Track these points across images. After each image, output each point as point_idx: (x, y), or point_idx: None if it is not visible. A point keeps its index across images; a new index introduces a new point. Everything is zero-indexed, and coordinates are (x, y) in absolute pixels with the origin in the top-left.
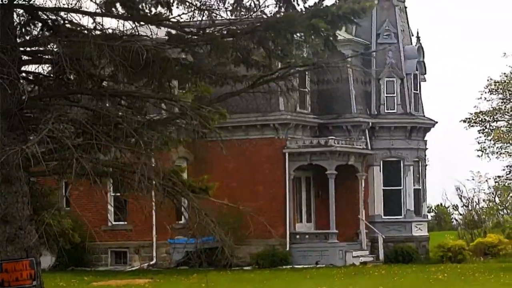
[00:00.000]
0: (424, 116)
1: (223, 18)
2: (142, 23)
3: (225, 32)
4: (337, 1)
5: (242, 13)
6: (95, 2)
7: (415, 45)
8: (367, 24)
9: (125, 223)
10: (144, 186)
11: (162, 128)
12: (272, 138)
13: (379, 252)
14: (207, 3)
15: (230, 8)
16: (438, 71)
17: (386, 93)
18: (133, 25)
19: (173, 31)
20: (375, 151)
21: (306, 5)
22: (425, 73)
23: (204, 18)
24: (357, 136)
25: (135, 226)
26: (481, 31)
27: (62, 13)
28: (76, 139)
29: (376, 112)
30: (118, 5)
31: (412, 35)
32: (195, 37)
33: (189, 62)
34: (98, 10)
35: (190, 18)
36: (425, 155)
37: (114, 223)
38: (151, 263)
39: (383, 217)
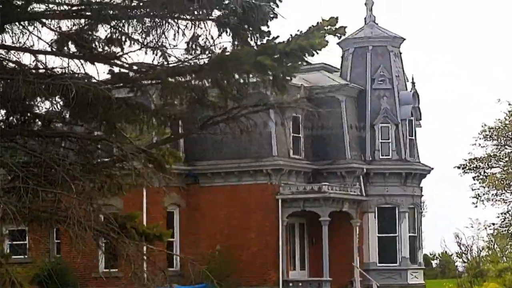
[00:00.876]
0: (419, 162)
1: (177, 58)
2: (93, 62)
3: (170, 71)
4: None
5: (198, 52)
6: (45, 41)
7: (410, 91)
8: (361, 70)
9: (116, 270)
10: (75, 232)
11: (114, 171)
12: (265, 184)
13: None
14: (160, 42)
15: (185, 47)
16: (434, 116)
17: (381, 139)
18: (82, 63)
19: (116, 69)
20: (369, 197)
21: (259, 42)
22: (421, 119)
23: (157, 57)
24: (352, 182)
25: (126, 274)
26: (477, 77)
27: (2, 51)
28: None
29: (370, 158)
30: (70, 43)
31: (407, 81)
32: (142, 75)
33: (136, 103)
34: (48, 49)
35: (142, 58)
36: (421, 202)
37: (104, 270)
38: None
39: (378, 264)
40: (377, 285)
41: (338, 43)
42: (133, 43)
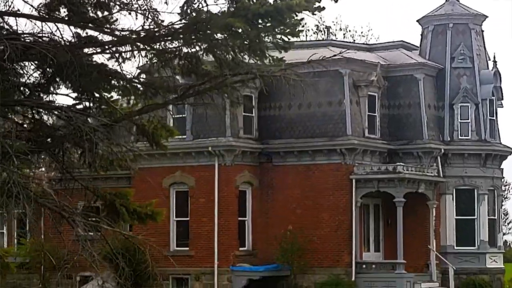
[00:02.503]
0: (500, 143)
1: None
2: (82, 28)
3: (147, 36)
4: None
5: (193, 15)
6: (31, 5)
7: (492, 70)
8: (441, 48)
9: (187, 248)
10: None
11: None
12: (339, 164)
13: (449, 284)
14: (151, 5)
15: (179, 11)
16: None
17: (460, 119)
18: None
19: (94, 34)
20: (447, 179)
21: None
22: (502, 99)
23: (148, 23)
24: (429, 163)
25: (197, 252)
26: None
27: None
28: None
29: (449, 139)
30: (61, 8)
31: (489, 59)
32: (119, 40)
33: (109, 69)
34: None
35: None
36: (501, 184)
37: (176, 248)
38: None
39: (455, 247)
40: (454, 269)
41: (417, 20)
42: (123, 7)
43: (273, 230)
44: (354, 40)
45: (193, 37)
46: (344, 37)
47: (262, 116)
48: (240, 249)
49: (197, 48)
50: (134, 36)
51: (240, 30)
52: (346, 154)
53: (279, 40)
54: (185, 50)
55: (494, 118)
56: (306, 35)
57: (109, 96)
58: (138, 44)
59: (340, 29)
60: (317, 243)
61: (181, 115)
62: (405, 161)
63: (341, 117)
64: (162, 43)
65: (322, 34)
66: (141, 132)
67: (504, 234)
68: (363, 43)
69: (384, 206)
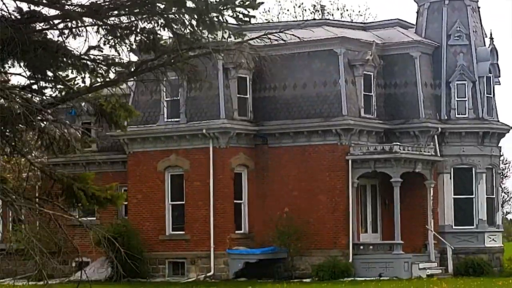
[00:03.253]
0: (498, 121)
1: None
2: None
3: (88, 9)
4: None
5: None
6: None
7: (488, 47)
8: (437, 25)
9: (183, 232)
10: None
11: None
12: (335, 145)
13: (448, 264)
14: None
15: None
16: None
17: (457, 97)
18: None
19: (38, 8)
20: (444, 158)
21: None
22: (499, 76)
23: None
24: (426, 142)
25: (193, 236)
26: None
27: None
28: None
29: (446, 117)
30: None
31: (486, 36)
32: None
33: (57, 46)
34: None
35: None
36: (499, 162)
37: (172, 232)
38: (208, 274)
39: (453, 227)
40: (452, 248)
41: None
42: None
43: (269, 212)
44: (352, 20)
45: (138, 10)
46: (341, 17)
47: (257, 98)
48: (237, 232)
49: (154, 23)
50: (80, 10)
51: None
52: (341, 135)
53: (238, 13)
54: (141, 25)
55: (492, 95)
56: (303, 15)
57: (64, 75)
58: (88, 19)
59: (337, 9)
60: (314, 225)
61: (174, 98)
62: (402, 141)
63: (336, 97)
64: (116, 18)
65: (320, 14)
66: (100, 113)
67: (508, 213)
68: (359, 22)
69: (381, 186)
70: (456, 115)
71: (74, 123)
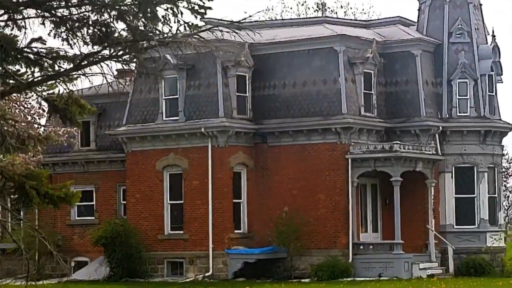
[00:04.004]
0: (500, 119)
1: None
2: None
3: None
4: None
5: None
6: None
7: (490, 44)
8: (438, 23)
9: (182, 232)
10: None
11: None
12: (334, 143)
13: (449, 264)
14: None
15: None
16: None
17: (459, 95)
18: None
19: None
20: (446, 156)
21: None
22: (501, 74)
23: None
24: (427, 140)
25: (191, 235)
26: None
27: None
28: None
29: (447, 116)
30: None
31: (488, 34)
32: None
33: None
34: None
35: None
36: (502, 161)
37: (170, 232)
38: (207, 274)
39: (454, 227)
40: (453, 248)
41: None
42: None
43: (269, 211)
44: (355, 18)
45: (87, 1)
46: (345, 15)
47: (256, 96)
48: (236, 231)
49: (106, 15)
50: (21, 1)
51: None
52: (341, 133)
53: (194, 5)
54: (93, 17)
55: (494, 93)
56: (306, 13)
57: (15, 69)
58: (33, 10)
59: (341, 7)
60: (314, 224)
61: (173, 96)
62: (403, 140)
63: (336, 95)
64: (66, 10)
65: (323, 12)
66: (53, 109)
67: None
68: (360, 20)
69: (381, 185)
70: (458, 114)
71: None
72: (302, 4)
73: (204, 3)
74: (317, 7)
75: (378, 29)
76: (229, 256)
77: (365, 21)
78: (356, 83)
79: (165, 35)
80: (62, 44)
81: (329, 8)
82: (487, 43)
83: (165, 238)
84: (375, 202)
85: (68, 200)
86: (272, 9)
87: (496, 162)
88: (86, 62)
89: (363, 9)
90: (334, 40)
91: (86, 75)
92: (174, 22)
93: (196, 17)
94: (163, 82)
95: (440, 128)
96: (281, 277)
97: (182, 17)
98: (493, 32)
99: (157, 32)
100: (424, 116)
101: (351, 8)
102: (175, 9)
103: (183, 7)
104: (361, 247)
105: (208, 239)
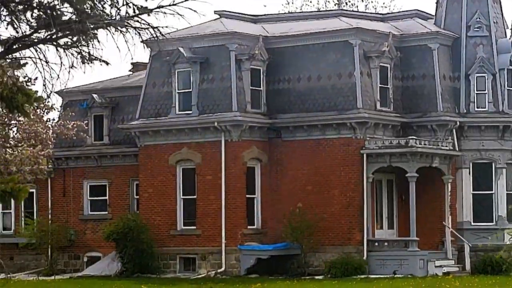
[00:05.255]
0: None
1: None
2: None
3: None
4: None
5: None
6: None
7: (509, 38)
8: (456, 16)
9: (194, 227)
10: None
11: None
12: (349, 138)
13: (465, 262)
14: None
15: None
16: None
17: (477, 90)
18: None
19: None
20: (463, 152)
21: None
22: None
23: None
24: (444, 136)
25: (204, 231)
26: None
27: None
28: None
29: (465, 111)
30: None
31: (507, 28)
32: None
33: None
34: None
35: None
36: None
37: (183, 227)
38: (220, 270)
39: (472, 224)
40: (469, 246)
41: None
42: None
43: (283, 207)
44: (376, 11)
45: None
46: (365, 8)
47: (271, 90)
48: (249, 227)
49: None
50: None
51: None
52: (356, 128)
53: None
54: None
55: None
56: (326, 7)
57: None
58: None
59: (362, 0)
60: (328, 220)
61: (186, 90)
62: (419, 135)
63: (351, 89)
64: None
65: (345, 5)
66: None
67: None
68: (377, 13)
69: (397, 181)
70: (476, 109)
71: (86, 115)
72: None
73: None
74: (337, 0)
75: (395, 23)
76: (242, 252)
77: (382, 14)
78: (372, 77)
79: (113, 18)
80: (6, 28)
81: (349, 1)
82: (506, 36)
83: (177, 234)
84: (391, 198)
85: (15, 195)
86: (292, 3)
87: None
88: (17, 46)
89: (383, 3)
90: (349, 33)
91: (17, 60)
92: (123, 4)
93: (146, 0)
94: (176, 76)
95: (458, 123)
96: (295, 273)
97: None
98: None
99: (110, 16)
100: (441, 111)
101: (372, 1)
102: None
103: None
104: (376, 243)
105: (221, 235)
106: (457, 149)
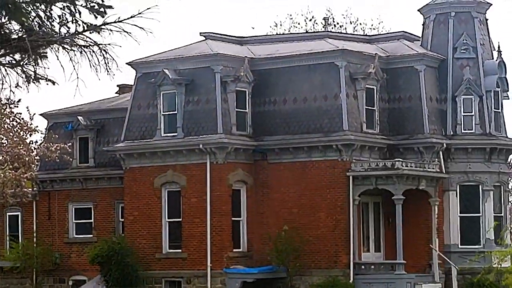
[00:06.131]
0: (506, 136)
1: None
2: None
3: None
4: None
5: None
6: None
7: (496, 60)
8: (443, 38)
9: (180, 250)
10: None
11: None
12: (335, 160)
13: (452, 285)
14: None
15: None
16: None
17: (463, 112)
18: None
19: None
20: (450, 174)
21: None
22: (508, 90)
23: None
24: (431, 158)
25: (190, 254)
26: None
27: None
28: None
29: (452, 133)
30: None
31: (494, 49)
32: None
33: None
34: None
35: None
36: (508, 180)
37: (168, 250)
38: None
39: (459, 246)
40: (457, 269)
41: (419, 10)
42: None
43: (268, 230)
44: (365, 34)
45: None
46: (354, 30)
47: (256, 112)
48: (235, 250)
49: None
50: None
51: None
52: (342, 150)
53: (93, 3)
54: None
55: (500, 110)
56: (314, 29)
57: None
58: None
59: (350, 22)
60: (314, 243)
61: (172, 112)
62: (406, 157)
63: (337, 111)
64: None
65: (333, 27)
66: None
67: None
68: (363, 35)
69: (384, 204)
70: (463, 131)
71: (71, 137)
72: (310, 20)
73: (103, 1)
74: (326, 23)
75: (382, 44)
76: (228, 275)
77: (368, 36)
78: (358, 99)
79: (61, 36)
80: None
81: (338, 23)
82: (492, 58)
83: (163, 257)
84: (378, 220)
85: None
86: (281, 25)
87: (502, 181)
88: None
89: (372, 25)
90: (335, 55)
91: None
92: (72, 22)
93: (96, 17)
94: (161, 97)
95: (444, 145)
96: None
97: (80, 17)
98: (499, 47)
99: (54, 33)
100: (428, 133)
101: (360, 23)
102: (72, 8)
103: (81, 5)
104: (363, 266)
105: (207, 258)
106: (444, 171)
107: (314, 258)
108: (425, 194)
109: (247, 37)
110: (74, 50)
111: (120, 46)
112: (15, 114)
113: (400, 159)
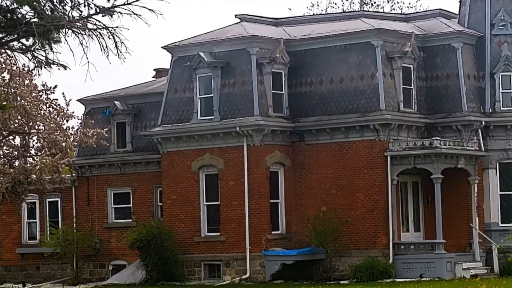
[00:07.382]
0: None
1: None
2: None
3: None
4: None
5: None
6: None
7: None
8: (480, 14)
9: (218, 234)
10: None
11: None
12: (373, 141)
13: (493, 263)
14: None
15: None
16: None
17: (502, 89)
18: None
19: None
20: (489, 152)
21: None
22: None
23: None
24: (469, 136)
25: (228, 237)
26: None
27: None
28: None
29: (490, 110)
30: None
31: None
32: None
33: None
34: None
35: None
36: None
37: (207, 234)
38: (244, 277)
39: (500, 225)
40: (498, 247)
41: None
42: None
43: (307, 212)
44: (403, 12)
45: None
46: (391, 9)
47: (293, 93)
48: (273, 232)
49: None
50: None
51: None
52: (380, 130)
53: None
54: None
55: None
56: (351, 9)
57: None
58: None
59: (388, 1)
60: (353, 224)
61: (208, 95)
62: (444, 135)
63: (374, 91)
64: None
65: (370, 7)
66: None
67: None
68: (399, 13)
69: (423, 183)
70: (501, 108)
71: (108, 123)
72: (347, 0)
73: None
74: (362, 2)
75: (418, 22)
76: (267, 258)
77: (404, 14)
78: (395, 78)
79: (70, 19)
80: None
81: (375, 2)
82: None
83: (201, 241)
84: (417, 200)
85: None
86: (318, 5)
87: None
88: None
89: (409, 3)
90: (371, 34)
91: None
92: (84, 6)
93: (108, 0)
94: (197, 81)
95: (483, 123)
96: (320, 279)
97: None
98: None
99: (71, 17)
100: (466, 111)
101: (397, 2)
102: None
103: None
104: (402, 247)
105: (245, 240)
106: (483, 149)
107: (353, 239)
108: (464, 172)
109: (282, 18)
110: (83, 34)
111: (128, 29)
112: (52, 100)
113: (438, 138)
